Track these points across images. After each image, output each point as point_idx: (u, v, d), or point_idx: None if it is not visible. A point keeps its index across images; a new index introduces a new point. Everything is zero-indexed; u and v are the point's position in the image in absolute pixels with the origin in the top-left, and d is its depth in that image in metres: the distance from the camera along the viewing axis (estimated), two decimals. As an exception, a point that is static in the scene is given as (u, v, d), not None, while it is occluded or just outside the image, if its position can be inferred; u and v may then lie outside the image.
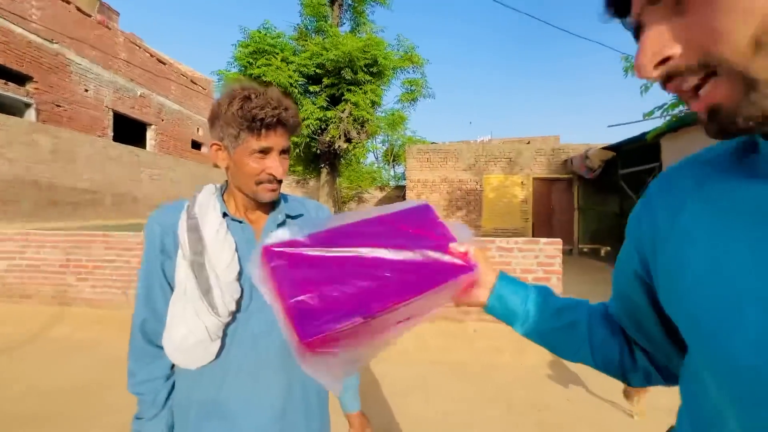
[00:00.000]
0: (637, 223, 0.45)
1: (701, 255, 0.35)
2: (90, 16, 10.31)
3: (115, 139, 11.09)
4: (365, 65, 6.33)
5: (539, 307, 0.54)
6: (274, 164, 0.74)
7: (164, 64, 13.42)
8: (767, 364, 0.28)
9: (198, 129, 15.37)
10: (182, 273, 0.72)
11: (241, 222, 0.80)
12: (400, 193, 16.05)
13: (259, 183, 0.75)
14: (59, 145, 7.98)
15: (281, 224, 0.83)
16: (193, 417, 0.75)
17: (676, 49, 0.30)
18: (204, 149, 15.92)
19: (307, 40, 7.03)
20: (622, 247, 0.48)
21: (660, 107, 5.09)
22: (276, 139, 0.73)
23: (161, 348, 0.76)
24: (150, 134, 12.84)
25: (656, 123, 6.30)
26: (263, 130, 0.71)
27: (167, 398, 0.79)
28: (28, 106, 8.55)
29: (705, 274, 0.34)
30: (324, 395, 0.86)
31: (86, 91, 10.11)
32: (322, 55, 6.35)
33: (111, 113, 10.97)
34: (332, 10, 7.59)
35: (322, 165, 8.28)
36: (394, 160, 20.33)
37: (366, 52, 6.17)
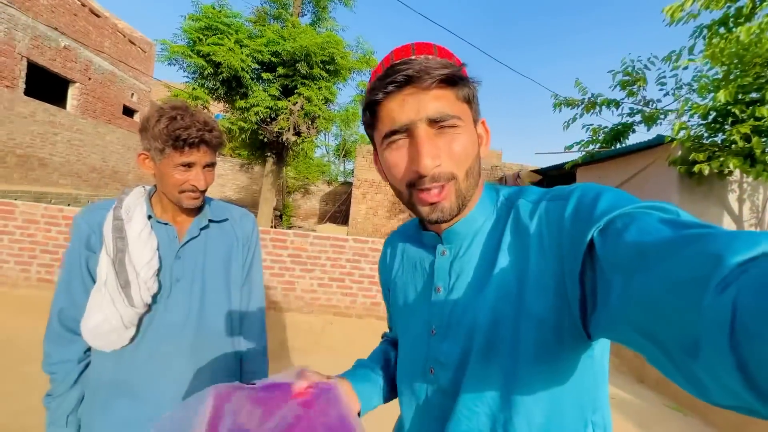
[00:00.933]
0: (383, 264, 0.72)
1: (399, 289, 0.64)
2: (7, -54, 8.88)
3: (28, 93, 9.69)
4: (322, 61, 6.32)
5: (385, 376, 0.69)
6: (197, 177, 0.84)
7: (98, 16, 11.97)
8: (420, 340, 0.56)
9: (132, 94, 13.95)
10: (104, 267, 0.80)
11: (165, 224, 0.89)
12: (347, 189, 16.10)
13: (182, 192, 0.84)
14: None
15: (204, 228, 0.93)
16: (104, 395, 0.82)
17: (440, 160, 0.50)
18: (137, 117, 14.50)
19: (264, 26, 6.80)
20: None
21: (578, 143, 5.82)
22: (199, 156, 0.83)
23: (76, 334, 0.83)
24: (73, 92, 11.36)
25: (576, 155, 7.15)
26: (186, 148, 0.80)
27: (78, 377, 0.85)
28: None
29: (398, 301, 0.64)
30: (234, 375, 0.97)
31: (-6, 32, 8.70)
32: (278, 43, 6.21)
33: (25, 62, 9.54)
34: (293, -1, 7.43)
35: (269, 154, 8.07)
36: (345, 156, 20.30)
37: (324, 48, 6.16)
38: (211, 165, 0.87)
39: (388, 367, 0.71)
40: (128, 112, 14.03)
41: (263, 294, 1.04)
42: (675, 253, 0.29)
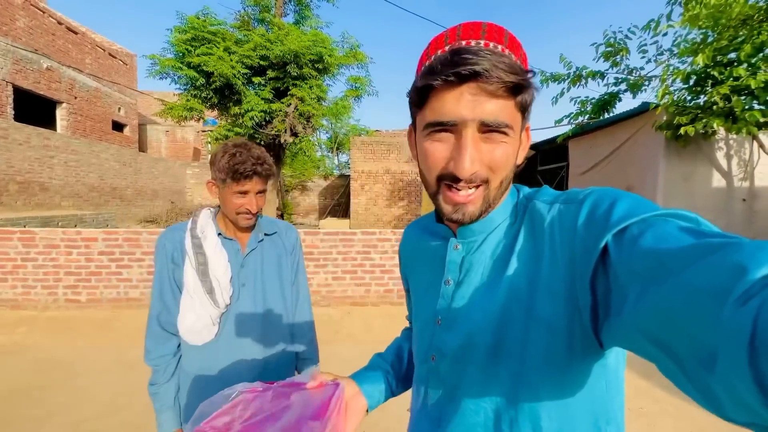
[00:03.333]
0: (402, 253, 0.74)
1: (414, 278, 0.68)
2: (-23, -29, 8.76)
3: (17, 119, 9.69)
4: (310, 60, 6.39)
5: (394, 373, 0.73)
6: (250, 202, 1.02)
7: (75, 33, 11.85)
8: (427, 328, 0.59)
9: (119, 108, 13.87)
10: (190, 278, 0.99)
11: (231, 240, 1.08)
12: (344, 182, 16.20)
13: (238, 213, 1.02)
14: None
15: (260, 240, 1.11)
16: (197, 381, 1.02)
17: (479, 165, 0.48)
18: (127, 131, 14.46)
19: (250, 30, 6.82)
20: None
21: (567, 116, 5.97)
22: (252, 185, 1.01)
23: (171, 333, 1.03)
24: (61, 113, 11.33)
25: (566, 128, 7.30)
26: (242, 179, 0.98)
27: (175, 368, 1.04)
28: None
29: (414, 288, 0.68)
30: (292, 359, 1.17)
31: (-24, 60, 8.66)
32: (266, 47, 6.26)
33: (10, 88, 9.51)
34: (275, 0, 7.41)
35: (266, 156, 8.15)
36: (338, 149, 20.32)
37: (312, 48, 6.22)
38: (263, 192, 1.05)
39: (400, 363, 0.75)
40: (118, 127, 14.00)
41: (308, 290, 1.24)
42: (695, 262, 0.28)
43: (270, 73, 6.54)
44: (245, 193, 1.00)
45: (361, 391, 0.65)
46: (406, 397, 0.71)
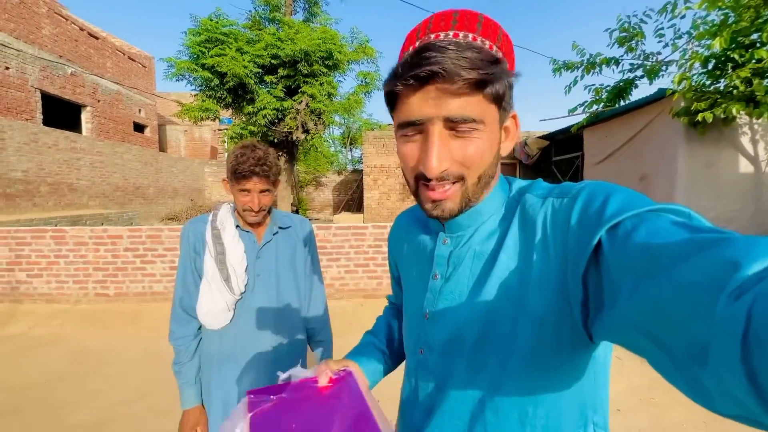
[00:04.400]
0: (392, 240, 0.74)
1: (404, 268, 0.67)
2: (4, -18, 9.16)
3: (45, 123, 10.16)
4: (320, 57, 6.46)
5: (389, 352, 0.74)
6: (252, 200, 1.09)
7: (97, 38, 12.26)
8: (415, 321, 0.59)
9: (140, 110, 14.34)
10: (209, 266, 1.08)
11: (248, 232, 1.16)
12: (357, 177, 16.30)
13: (243, 210, 1.10)
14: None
15: (275, 233, 1.19)
16: (216, 362, 1.12)
17: (448, 163, 0.48)
18: (147, 132, 14.94)
19: (261, 29, 6.94)
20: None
21: (582, 104, 5.84)
22: (252, 184, 1.08)
23: (191, 316, 1.12)
24: (85, 117, 11.82)
25: (581, 117, 7.12)
26: (243, 179, 1.06)
27: (196, 349, 1.14)
28: (-63, 86, 7.62)
29: (406, 282, 0.66)
30: (304, 348, 1.25)
31: (7, 68, 9.10)
32: (277, 46, 6.37)
33: (38, 94, 9.98)
34: (284, -2, 7.50)
35: (280, 153, 8.35)
36: (351, 144, 20.40)
37: (322, 45, 6.28)
38: (267, 191, 1.12)
39: (392, 342, 0.76)
40: (139, 128, 14.47)
41: (322, 281, 1.31)
42: (688, 257, 0.28)
43: (281, 72, 6.66)
44: (247, 191, 1.08)
45: (362, 370, 0.66)
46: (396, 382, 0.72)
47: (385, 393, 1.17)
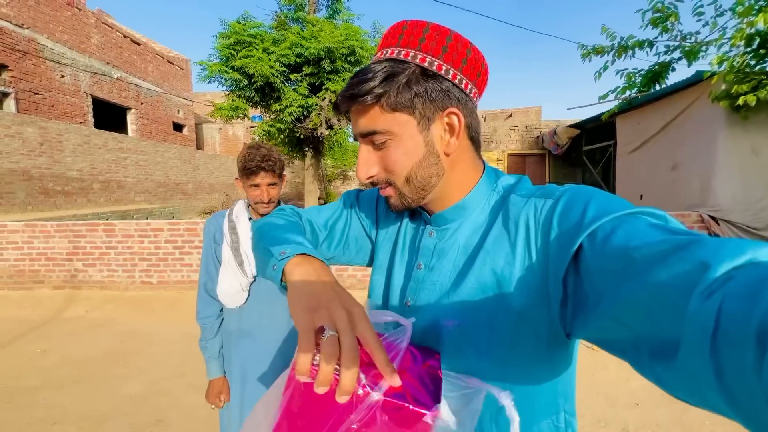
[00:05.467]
0: (380, 208, 0.70)
1: (387, 254, 0.66)
2: (58, -3, 9.98)
3: (96, 125, 11.05)
4: (343, 55, 6.59)
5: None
6: (262, 193, 1.23)
7: (139, 44, 13.10)
8: (396, 308, 0.59)
9: (178, 110, 15.19)
10: (226, 253, 1.24)
11: None
12: (384, 170, 16.39)
13: (255, 203, 1.24)
14: (46, 135, 8.05)
15: None
16: (234, 338, 1.28)
17: (375, 170, 0.54)
18: (185, 131, 15.82)
19: (286, 29, 7.17)
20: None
21: (613, 90, 5.58)
22: (260, 179, 1.22)
23: (214, 298, 1.29)
24: (130, 118, 12.73)
25: (612, 104, 6.81)
26: (251, 175, 1.19)
27: (219, 328, 1.30)
28: (6, 95, 8.51)
29: (386, 265, 0.65)
30: None
31: (62, 77, 9.97)
32: (301, 45, 6.56)
33: (90, 99, 10.86)
34: (308, -3, 7.66)
35: (306, 148, 8.60)
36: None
37: (345, 41, 6.41)
38: (274, 184, 1.25)
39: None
40: (177, 127, 15.36)
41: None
42: (663, 259, 0.30)
43: (306, 69, 6.86)
44: (257, 185, 1.22)
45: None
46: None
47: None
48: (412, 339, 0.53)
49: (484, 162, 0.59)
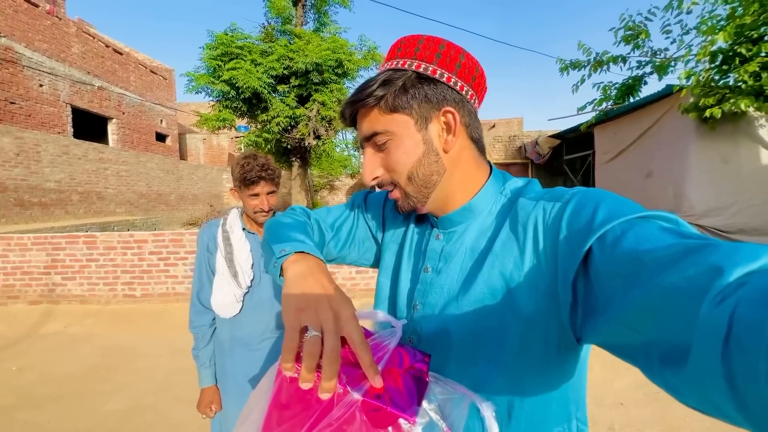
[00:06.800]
0: (387, 212, 0.71)
1: (393, 256, 0.66)
2: (37, 6, 9.81)
3: (75, 135, 10.77)
4: (331, 67, 6.69)
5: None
6: (262, 202, 1.26)
7: (121, 54, 12.92)
8: (401, 316, 0.59)
9: (161, 120, 14.97)
10: (220, 263, 1.25)
11: (253, 233, 1.33)
12: (371, 180, 16.45)
13: (255, 212, 1.26)
14: (23, 146, 7.81)
15: None
16: (228, 347, 1.28)
17: (379, 171, 0.56)
18: (168, 141, 15.56)
19: (273, 41, 7.24)
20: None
21: (590, 102, 5.83)
22: (260, 188, 1.24)
23: (207, 308, 1.29)
24: (112, 128, 12.47)
25: (590, 115, 7.08)
26: (251, 185, 1.22)
27: (211, 336, 1.31)
28: (-21, 104, 8.24)
29: (393, 268, 0.65)
30: None
31: (41, 86, 9.73)
32: (289, 58, 6.64)
33: (69, 108, 10.61)
34: (296, 10, 7.77)
35: (293, 158, 8.61)
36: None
37: (333, 54, 6.52)
38: (273, 192, 1.28)
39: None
40: (160, 137, 15.10)
41: None
42: (674, 263, 0.29)
43: (293, 81, 6.94)
44: (257, 195, 1.24)
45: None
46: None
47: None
48: (419, 343, 0.55)
49: (491, 165, 0.60)
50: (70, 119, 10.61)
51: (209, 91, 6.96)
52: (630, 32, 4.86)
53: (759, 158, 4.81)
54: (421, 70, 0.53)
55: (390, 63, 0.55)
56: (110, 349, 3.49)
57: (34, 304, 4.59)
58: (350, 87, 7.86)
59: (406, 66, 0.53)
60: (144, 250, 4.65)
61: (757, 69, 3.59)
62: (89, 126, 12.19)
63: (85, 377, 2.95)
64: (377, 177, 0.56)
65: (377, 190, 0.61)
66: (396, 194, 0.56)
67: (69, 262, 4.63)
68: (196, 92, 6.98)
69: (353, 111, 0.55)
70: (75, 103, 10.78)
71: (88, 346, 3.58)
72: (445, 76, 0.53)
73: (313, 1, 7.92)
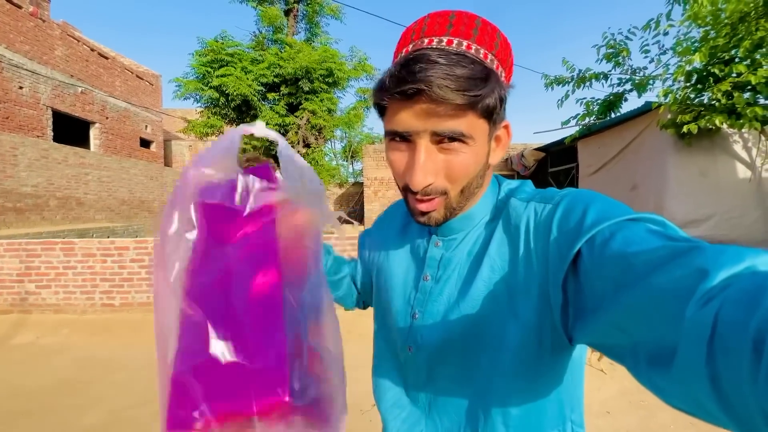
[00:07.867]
0: (376, 230, 0.73)
1: (390, 268, 0.64)
2: (21, 7, 9.60)
3: (56, 139, 10.47)
4: (321, 75, 6.74)
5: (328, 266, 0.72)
6: None
7: (107, 58, 12.71)
8: (402, 320, 0.59)
9: (146, 126, 14.70)
10: None
11: None
12: (358, 189, 16.48)
13: None
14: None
15: None
16: None
17: (435, 178, 0.47)
18: (153, 147, 15.27)
19: (264, 50, 7.26)
20: None
21: (574, 117, 6.02)
22: None
23: None
24: (94, 133, 12.16)
25: (574, 129, 7.30)
26: None
27: None
28: (-46, 105, 7.95)
29: (391, 279, 0.63)
30: None
31: (20, 88, 9.46)
32: (279, 65, 6.66)
33: (50, 112, 10.32)
34: (287, 20, 7.83)
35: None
36: (352, 157, 20.68)
37: (322, 63, 6.57)
38: None
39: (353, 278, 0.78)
40: (145, 143, 14.81)
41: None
42: (662, 265, 0.29)
43: (284, 89, 6.94)
44: None
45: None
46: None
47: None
48: (418, 352, 0.57)
49: None
50: (50, 123, 10.31)
51: (198, 97, 6.89)
52: (611, 50, 5.06)
53: (735, 172, 5.01)
54: (498, 70, 0.45)
55: (467, 43, 0.43)
56: (86, 361, 3.34)
57: (5, 314, 4.37)
58: (340, 96, 7.93)
59: (488, 60, 0.44)
60: (125, 257, 4.51)
61: (729, 88, 3.77)
62: (71, 130, 11.87)
63: (58, 391, 2.81)
64: (430, 184, 0.46)
65: (418, 197, 0.48)
66: (434, 205, 0.48)
67: (44, 269, 4.44)
68: (184, 98, 6.93)
69: (451, 105, 0.41)
70: (56, 107, 10.49)
71: (62, 358, 3.41)
72: (503, 75, 0.47)
73: (304, 12, 8.00)
